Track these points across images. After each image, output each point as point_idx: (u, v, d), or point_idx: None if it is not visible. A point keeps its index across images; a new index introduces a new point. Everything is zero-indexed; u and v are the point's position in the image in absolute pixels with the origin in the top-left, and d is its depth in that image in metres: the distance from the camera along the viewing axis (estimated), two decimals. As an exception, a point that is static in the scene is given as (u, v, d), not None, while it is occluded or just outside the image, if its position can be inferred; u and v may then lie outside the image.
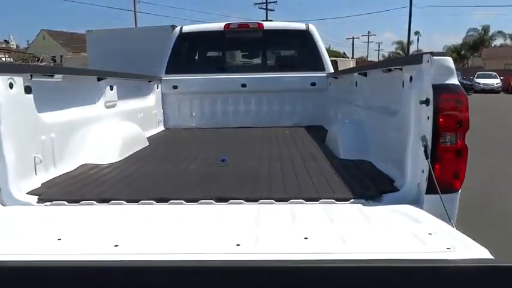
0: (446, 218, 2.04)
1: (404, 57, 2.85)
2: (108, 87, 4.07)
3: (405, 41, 48.26)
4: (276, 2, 48.59)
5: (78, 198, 2.39)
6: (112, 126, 3.85)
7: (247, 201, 2.32)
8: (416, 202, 2.26)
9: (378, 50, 79.86)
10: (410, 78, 2.39)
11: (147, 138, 4.88)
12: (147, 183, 2.70)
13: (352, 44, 70.39)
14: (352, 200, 2.30)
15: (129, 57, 7.48)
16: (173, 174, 3.01)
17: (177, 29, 6.01)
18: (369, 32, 74.51)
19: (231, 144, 4.41)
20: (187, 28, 6.01)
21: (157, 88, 5.82)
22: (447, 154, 2.18)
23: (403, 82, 2.61)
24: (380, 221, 1.98)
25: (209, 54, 6.75)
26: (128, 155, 3.72)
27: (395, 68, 2.85)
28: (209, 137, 5.15)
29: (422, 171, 2.23)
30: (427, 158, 2.16)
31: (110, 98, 4.12)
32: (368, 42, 74.85)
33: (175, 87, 5.92)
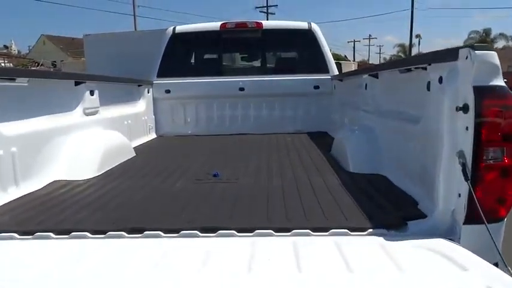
0: (491, 256, 1.59)
1: (432, 54, 2.49)
2: (88, 92, 3.63)
3: (407, 43, 47.86)
4: (277, 5, 48.26)
5: (32, 228, 1.94)
6: (92, 136, 3.42)
7: (240, 231, 1.88)
8: (450, 234, 1.81)
9: (379, 53, 79.45)
10: (440, 78, 1.94)
11: (136, 147, 4.45)
12: (121, 207, 2.25)
13: (354, 47, 70.01)
14: (370, 231, 1.85)
15: (127, 60, 7.12)
16: (155, 194, 2.56)
17: (170, 29, 5.59)
18: (370, 35, 74.22)
19: (227, 154, 3.97)
20: (180, 28, 5.58)
21: (148, 93, 5.39)
22: (491, 174, 1.74)
23: (428, 84, 2.16)
24: (411, 265, 1.52)
25: (204, 56, 6.31)
26: (108, 169, 3.28)
27: (416, 68, 2.41)
28: (203, 145, 4.71)
29: (459, 195, 1.78)
30: (466, 179, 1.71)
31: (91, 104, 3.69)
32: (369, 45, 74.52)
33: (167, 91, 5.49)
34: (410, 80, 2.57)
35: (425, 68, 2.23)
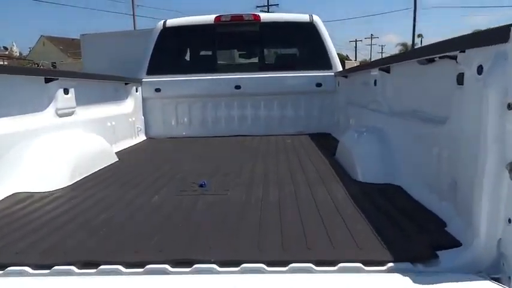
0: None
1: (469, 36, 2.03)
2: (61, 90, 3.22)
3: (409, 43, 47.26)
4: (278, 5, 47.70)
5: None
6: (63, 140, 3.00)
7: (222, 265, 1.46)
8: (496, 271, 1.38)
9: (381, 53, 78.80)
10: (479, 68, 1.51)
11: (121, 151, 4.04)
12: (80, 230, 1.83)
13: (355, 47, 69.56)
14: (390, 265, 1.42)
15: (126, 60, 6.75)
16: (126, 211, 2.14)
17: (160, 23, 5.17)
18: (371, 34, 73.71)
19: (219, 159, 3.55)
20: (171, 22, 5.16)
21: (137, 92, 4.97)
22: None
23: (459, 76, 1.73)
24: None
25: (198, 51, 5.86)
26: (81, 178, 2.86)
27: (441, 57, 1.98)
28: (195, 149, 4.29)
29: (509, 220, 1.35)
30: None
31: (65, 104, 3.28)
32: (371, 44, 73.99)
33: (158, 90, 5.07)
34: (432, 73, 2.15)
35: (454, 57, 1.80)
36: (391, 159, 2.56)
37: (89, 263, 1.50)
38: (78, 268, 1.48)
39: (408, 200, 2.12)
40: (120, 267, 1.47)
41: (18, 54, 53.84)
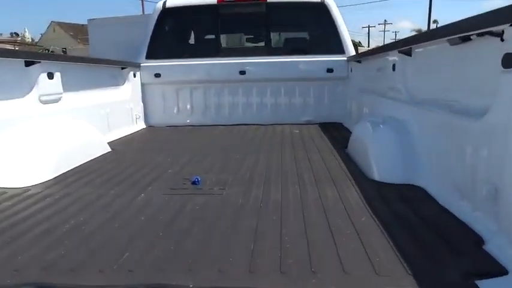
0: None
1: None
2: (45, 74, 2.93)
3: (423, 29, 46.00)
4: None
5: None
6: (46, 129, 2.71)
7: None
8: None
9: (395, 40, 77.04)
10: None
11: (115, 140, 3.76)
12: (38, 242, 1.53)
13: (368, 33, 67.97)
14: None
15: (133, 45, 6.48)
16: (103, 214, 1.84)
17: (160, 4, 4.82)
18: (385, 20, 71.90)
19: (219, 151, 3.24)
20: (172, 2, 4.80)
21: (135, 77, 4.66)
22: None
23: (506, 57, 1.38)
24: None
25: (200, 34, 5.50)
26: (65, 171, 2.58)
27: (479, 34, 1.62)
28: (194, 138, 3.99)
29: None
30: None
31: (49, 89, 2.99)
32: (384, 31, 72.27)
33: (157, 75, 4.76)
34: (468, 54, 1.79)
35: (499, 34, 1.44)
36: (413, 155, 2.22)
37: (41, 286, 1.21)
38: None
39: (433, 207, 1.79)
40: None
41: (30, 40, 53.88)
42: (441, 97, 2.09)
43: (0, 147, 2.36)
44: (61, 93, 3.14)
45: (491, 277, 1.18)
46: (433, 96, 2.20)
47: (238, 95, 4.81)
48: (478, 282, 1.16)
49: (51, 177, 2.45)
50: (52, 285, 1.20)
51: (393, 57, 2.88)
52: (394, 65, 2.86)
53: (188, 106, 4.89)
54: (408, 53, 2.59)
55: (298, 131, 4.13)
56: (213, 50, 4.86)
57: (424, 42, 2.34)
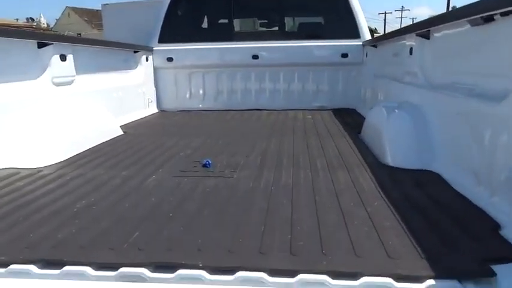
0: None
1: None
2: (57, 56, 2.93)
3: (443, 15, 44.76)
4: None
5: None
6: (59, 111, 2.73)
7: (212, 272, 1.16)
8: None
9: (412, 26, 75.31)
10: None
11: (128, 124, 3.78)
12: (49, 220, 1.54)
13: (384, 20, 66.64)
14: (429, 283, 1.08)
15: (148, 31, 6.45)
16: (114, 195, 1.84)
17: None
18: (402, 6, 70.40)
19: (231, 135, 3.22)
20: None
21: (147, 61, 4.65)
22: None
23: None
24: None
25: (213, 17, 5.45)
26: (77, 153, 2.60)
27: (503, 14, 1.55)
28: (207, 123, 3.98)
29: None
30: None
31: (61, 72, 2.99)
32: (401, 17, 70.73)
33: (170, 59, 4.74)
34: (489, 36, 1.71)
35: None
36: (428, 140, 2.16)
37: (50, 263, 1.22)
38: (39, 268, 1.21)
39: (449, 192, 1.74)
40: (88, 269, 1.18)
41: (45, 26, 54.33)
42: (460, 81, 2.02)
43: (13, 129, 2.39)
44: (74, 76, 3.15)
45: (508, 262, 1.15)
46: (452, 80, 2.13)
47: (250, 80, 4.77)
48: (494, 267, 1.12)
49: (64, 159, 2.47)
50: (62, 262, 1.21)
51: (410, 41, 2.79)
52: (411, 49, 2.78)
53: (200, 91, 4.88)
54: (426, 36, 2.51)
55: (310, 117, 4.08)
56: (226, 34, 4.81)
57: (443, 24, 2.26)
